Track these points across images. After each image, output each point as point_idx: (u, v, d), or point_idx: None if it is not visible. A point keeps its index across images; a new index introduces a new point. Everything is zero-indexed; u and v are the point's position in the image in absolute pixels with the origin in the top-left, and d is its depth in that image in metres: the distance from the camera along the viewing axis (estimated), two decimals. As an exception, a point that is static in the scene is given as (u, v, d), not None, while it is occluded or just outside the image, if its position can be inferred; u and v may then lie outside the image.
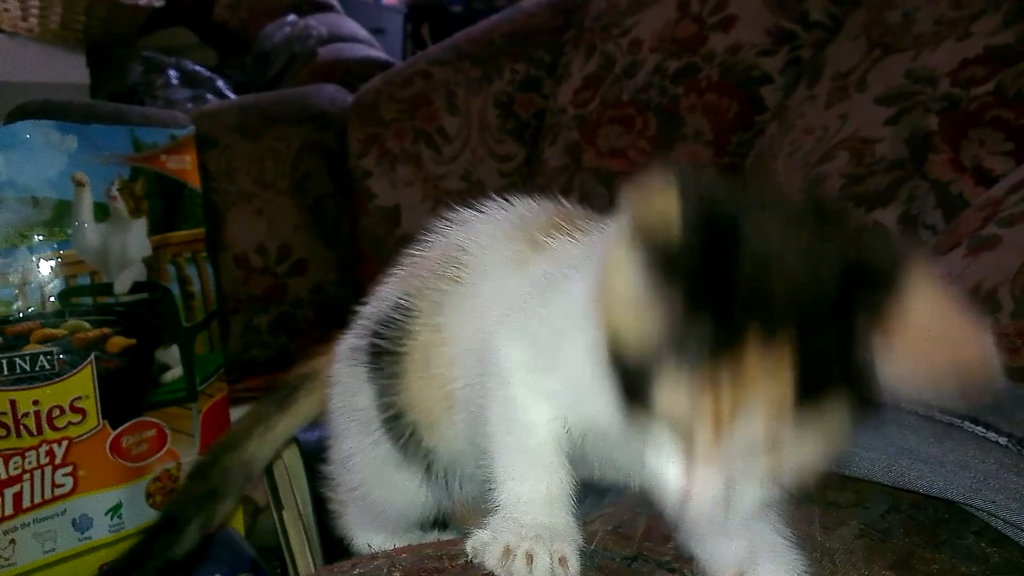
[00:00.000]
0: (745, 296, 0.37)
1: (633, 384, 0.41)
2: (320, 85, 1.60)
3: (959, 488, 0.50)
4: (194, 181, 1.00)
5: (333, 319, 1.46)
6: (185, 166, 0.99)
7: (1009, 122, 0.91)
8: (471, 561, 0.49)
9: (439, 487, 0.65)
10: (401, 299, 0.62)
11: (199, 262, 1.01)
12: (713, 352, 0.37)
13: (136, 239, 0.95)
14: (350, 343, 0.67)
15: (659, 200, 0.38)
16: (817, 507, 0.54)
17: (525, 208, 0.60)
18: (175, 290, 0.99)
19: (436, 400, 0.60)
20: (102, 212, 0.93)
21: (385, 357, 0.62)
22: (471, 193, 1.46)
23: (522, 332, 0.51)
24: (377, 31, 3.73)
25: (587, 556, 0.50)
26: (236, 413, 1.11)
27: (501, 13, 1.52)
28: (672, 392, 0.39)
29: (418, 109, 1.47)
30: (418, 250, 0.64)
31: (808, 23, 1.19)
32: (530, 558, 0.45)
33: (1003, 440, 0.55)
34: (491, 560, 0.46)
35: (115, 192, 0.93)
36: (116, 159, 0.93)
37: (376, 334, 0.63)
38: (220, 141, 1.39)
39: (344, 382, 0.67)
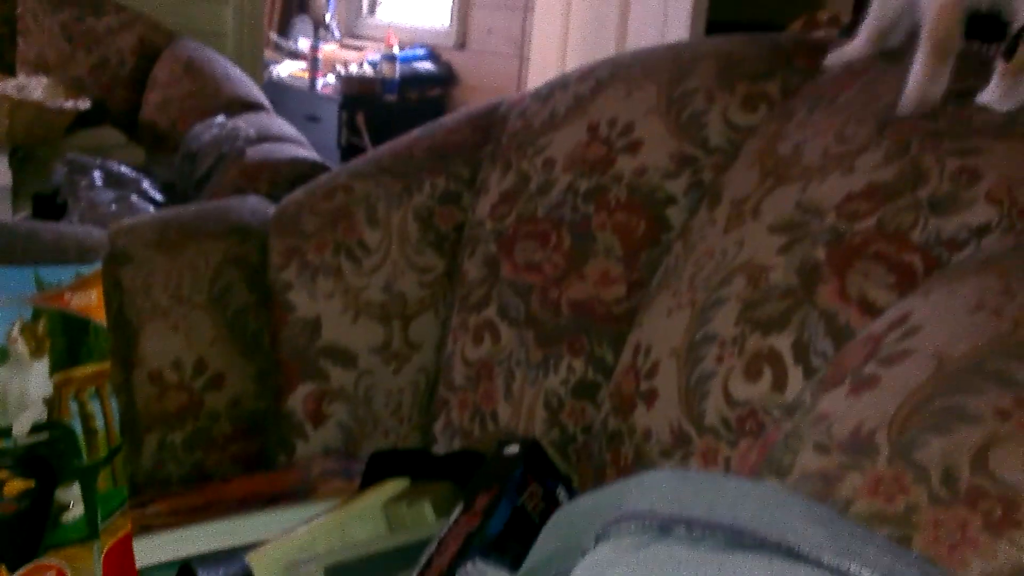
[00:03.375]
0: None
1: None
2: (242, 196, 1.62)
3: None
4: (99, 316, 1.00)
5: (251, 431, 1.45)
6: (91, 302, 0.99)
7: (890, 256, 0.96)
8: None
9: None
10: None
11: (103, 397, 0.99)
12: None
13: (36, 380, 0.93)
14: None
15: None
16: None
17: None
18: (77, 427, 0.97)
19: None
20: (2, 356, 0.92)
21: None
22: (392, 304, 1.49)
23: None
24: (313, 119, 3.77)
25: None
26: (142, 544, 1.08)
27: (422, 129, 1.56)
28: None
29: (339, 221, 1.49)
30: None
31: (708, 148, 1.25)
32: None
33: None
34: None
35: (16, 335, 0.92)
36: (17, 301, 0.93)
37: None
38: (137, 257, 1.39)
39: None
